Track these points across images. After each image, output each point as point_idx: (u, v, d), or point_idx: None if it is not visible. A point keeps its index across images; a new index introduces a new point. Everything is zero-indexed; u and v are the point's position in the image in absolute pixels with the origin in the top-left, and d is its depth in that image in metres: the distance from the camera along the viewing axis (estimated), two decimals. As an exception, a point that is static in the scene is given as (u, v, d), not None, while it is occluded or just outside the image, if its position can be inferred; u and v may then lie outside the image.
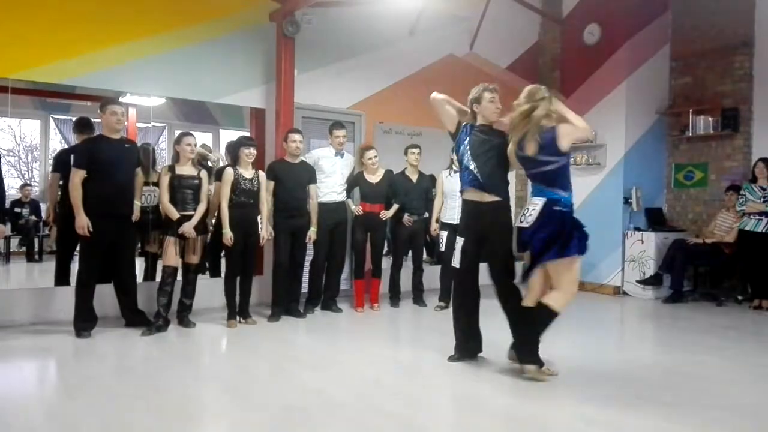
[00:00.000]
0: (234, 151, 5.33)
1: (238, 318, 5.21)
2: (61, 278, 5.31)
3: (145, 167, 5.59)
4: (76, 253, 5.14)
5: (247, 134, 6.26)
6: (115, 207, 4.69)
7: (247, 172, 5.15)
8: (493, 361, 4.15)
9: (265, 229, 5.30)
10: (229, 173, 5.09)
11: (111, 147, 4.71)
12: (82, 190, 4.57)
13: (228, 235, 4.99)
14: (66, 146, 6.61)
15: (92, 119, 5.47)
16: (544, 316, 3.60)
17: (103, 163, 4.63)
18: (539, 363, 3.66)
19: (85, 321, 4.64)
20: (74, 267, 5.11)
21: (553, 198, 3.60)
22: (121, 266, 4.90)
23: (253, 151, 5.17)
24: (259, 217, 5.20)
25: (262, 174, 5.28)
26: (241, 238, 5.09)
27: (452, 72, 7.36)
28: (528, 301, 3.78)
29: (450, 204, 6.01)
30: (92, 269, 4.71)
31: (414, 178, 6.17)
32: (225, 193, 5.04)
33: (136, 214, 4.99)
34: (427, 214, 6.21)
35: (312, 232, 5.52)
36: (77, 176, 4.59)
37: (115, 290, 4.96)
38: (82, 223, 4.54)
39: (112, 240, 4.71)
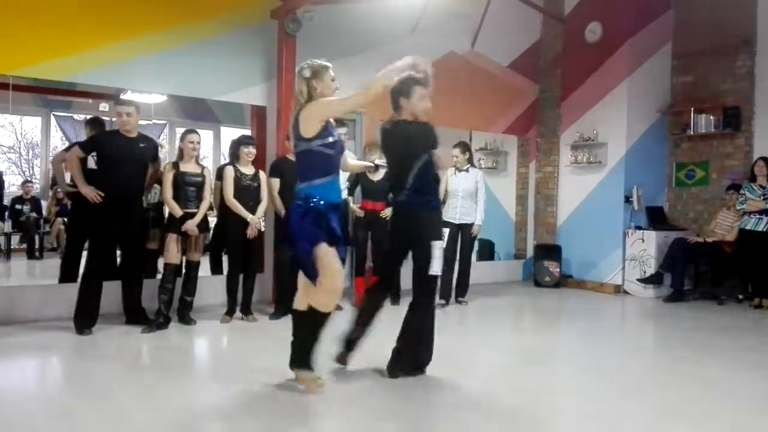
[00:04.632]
0: (234, 149, 5.35)
1: (240, 315, 5.22)
2: (69, 274, 5.29)
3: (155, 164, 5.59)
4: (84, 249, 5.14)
5: (248, 132, 6.26)
6: (121, 202, 4.68)
7: (248, 169, 5.17)
8: (490, 361, 4.15)
9: (260, 221, 5.25)
10: (229, 170, 5.10)
11: (122, 143, 4.71)
12: (79, 164, 4.70)
13: (255, 219, 5.07)
14: (67, 143, 6.61)
15: (105, 117, 5.50)
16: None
17: (111, 157, 4.66)
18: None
19: (86, 318, 4.62)
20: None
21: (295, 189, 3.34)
22: (127, 262, 4.90)
23: (252, 150, 5.19)
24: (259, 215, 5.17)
25: (262, 173, 5.29)
26: (242, 236, 5.09)
27: (453, 70, 7.35)
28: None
29: (452, 203, 6.09)
30: (100, 265, 4.70)
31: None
32: (229, 188, 5.06)
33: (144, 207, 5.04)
34: None
35: None
36: (73, 153, 4.75)
37: (121, 286, 4.96)
38: (88, 190, 4.61)
39: (119, 235, 4.71)
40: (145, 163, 4.87)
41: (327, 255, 3.22)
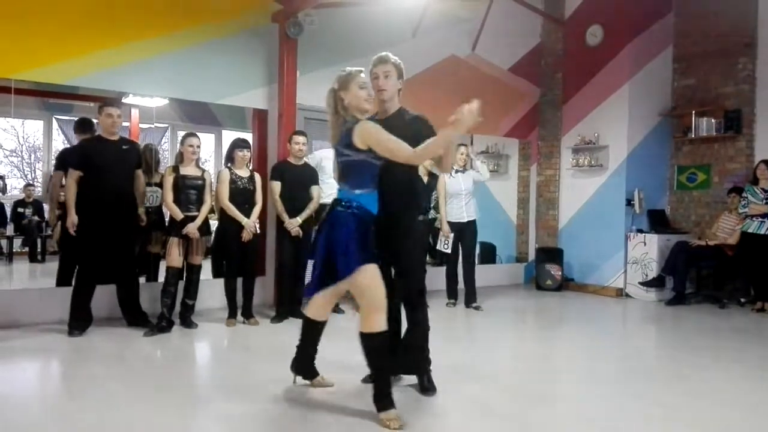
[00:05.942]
0: (229, 152, 5.38)
1: (241, 318, 5.23)
2: (65, 279, 5.31)
3: (149, 168, 5.60)
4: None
5: (250, 135, 6.27)
6: (110, 208, 4.68)
7: (243, 172, 5.20)
8: (492, 365, 4.14)
9: (254, 225, 5.18)
10: (224, 173, 5.13)
11: (107, 148, 4.72)
12: (76, 189, 4.66)
13: (250, 223, 5.07)
14: (68, 146, 6.62)
15: (93, 119, 5.50)
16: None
17: (97, 165, 4.66)
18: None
19: (78, 320, 4.65)
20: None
21: (342, 197, 3.14)
22: (120, 268, 4.90)
23: (246, 153, 5.22)
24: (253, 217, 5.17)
25: (257, 176, 5.32)
26: (238, 239, 5.09)
27: (454, 73, 7.35)
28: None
29: (456, 204, 6.13)
30: (89, 270, 4.72)
31: (425, 179, 6.22)
32: (224, 191, 5.08)
33: (142, 218, 5.06)
34: (432, 213, 6.25)
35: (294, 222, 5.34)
36: (72, 176, 4.69)
37: (116, 291, 4.97)
38: (72, 221, 4.62)
39: (110, 241, 4.70)
40: (130, 165, 4.88)
41: (367, 275, 3.00)
